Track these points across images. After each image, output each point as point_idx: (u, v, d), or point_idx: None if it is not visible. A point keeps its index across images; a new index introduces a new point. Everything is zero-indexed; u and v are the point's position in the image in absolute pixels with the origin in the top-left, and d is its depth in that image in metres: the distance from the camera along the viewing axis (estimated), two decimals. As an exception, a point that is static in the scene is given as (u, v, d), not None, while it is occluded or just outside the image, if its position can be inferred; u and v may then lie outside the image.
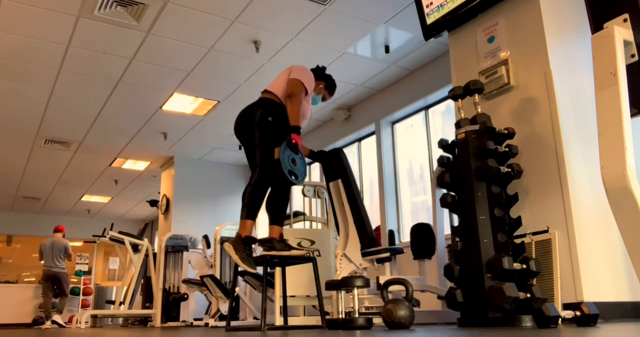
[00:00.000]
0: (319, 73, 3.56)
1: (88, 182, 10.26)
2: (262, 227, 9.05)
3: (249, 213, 3.02)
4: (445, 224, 3.70)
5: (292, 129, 3.10)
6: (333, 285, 2.90)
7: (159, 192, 9.47)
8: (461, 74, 3.38)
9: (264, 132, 3.13)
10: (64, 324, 8.45)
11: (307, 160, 7.62)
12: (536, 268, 2.45)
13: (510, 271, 2.40)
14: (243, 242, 2.96)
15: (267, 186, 3.13)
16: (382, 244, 5.43)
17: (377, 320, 3.17)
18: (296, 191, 8.31)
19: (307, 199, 4.41)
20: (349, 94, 6.69)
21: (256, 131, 3.13)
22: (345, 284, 2.83)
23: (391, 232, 4.78)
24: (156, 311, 6.84)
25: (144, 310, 7.65)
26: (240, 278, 5.52)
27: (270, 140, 3.10)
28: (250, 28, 5.09)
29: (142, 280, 8.16)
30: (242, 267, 2.90)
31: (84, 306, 11.50)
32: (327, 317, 3.21)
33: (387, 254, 3.43)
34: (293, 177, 2.99)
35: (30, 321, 11.19)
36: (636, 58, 2.33)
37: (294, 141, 3.03)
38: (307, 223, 4.63)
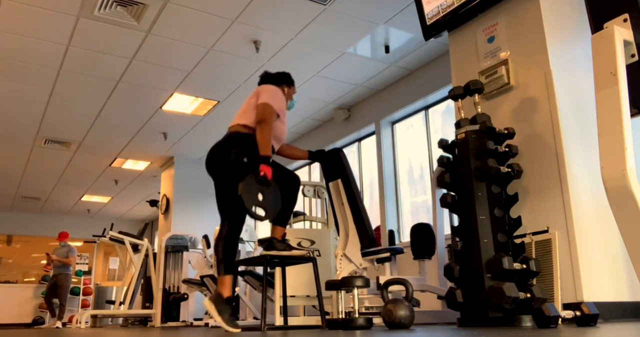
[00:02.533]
0: (278, 79, 3.33)
1: (88, 182, 10.26)
2: (262, 227, 9.05)
3: (226, 268, 2.88)
4: (445, 224, 3.70)
5: (261, 160, 2.84)
6: (333, 285, 2.90)
7: (159, 192, 9.47)
8: (461, 74, 3.38)
9: (239, 176, 2.84)
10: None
11: (306, 161, 7.57)
12: (536, 268, 2.45)
13: (510, 271, 2.40)
14: (226, 302, 2.82)
15: (238, 236, 3.00)
16: (382, 244, 5.43)
17: (377, 320, 3.17)
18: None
19: (307, 199, 4.41)
20: (349, 94, 6.69)
21: (231, 175, 2.90)
22: (345, 284, 2.83)
23: (391, 232, 4.78)
24: (156, 311, 6.84)
25: (144, 310, 7.65)
26: (240, 278, 5.52)
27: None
28: (250, 28, 5.09)
29: (142, 280, 8.16)
30: (227, 329, 2.75)
31: (84, 306, 11.50)
32: (327, 317, 3.20)
33: (387, 254, 3.43)
34: (261, 212, 2.78)
35: (30, 321, 11.19)
36: (636, 58, 2.33)
37: (262, 173, 2.78)
38: (307, 223, 4.63)
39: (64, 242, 9.18)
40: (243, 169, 2.90)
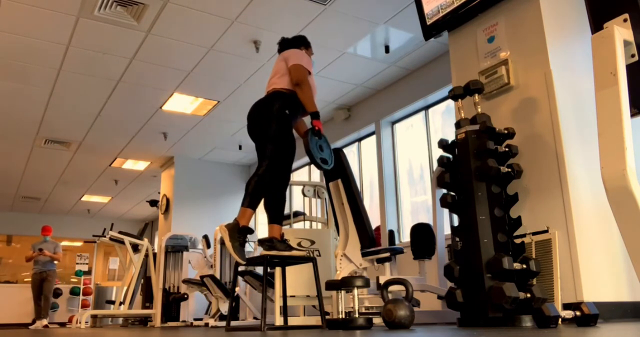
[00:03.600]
0: (297, 42, 3.57)
1: (88, 182, 10.26)
2: (262, 227, 9.05)
3: (251, 202, 3.04)
4: (445, 224, 3.70)
5: (313, 115, 3.15)
6: (333, 285, 2.90)
7: (159, 192, 9.47)
8: (461, 74, 3.38)
9: (281, 126, 3.15)
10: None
11: (306, 161, 7.57)
12: (536, 268, 2.45)
13: (510, 271, 2.40)
14: (239, 231, 2.97)
15: (271, 180, 3.15)
16: (382, 244, 5.43)
17: (377, 320, 3.17)
18: (296, 190, 8.32)
19: (307, 199, 4.41)
20: (349, 94, 6.69)
21: (273, 124, 3.14)
22: (345, 284, 2.83)
23: (391, 232, 4.78)
24: (156, 311, 6.84)
25: (144, 310, 7.64)
26: (240, 278, 5.52)
27: (286, 135, 3.16)
28: (250, 28, 5.09)
29: (142, 280, 8.16)
30: (233, 256, 2.92)
31: (84, 306, 11.50)
32: (327, 317, 3.21)
33: (387, 254, 3.43)
34: (325, 164, 3.08)
35: (30, 321, 11.18)
36: (636, 58, 2.33)
37: (317, 128, 3.09)
38: (307, 223, 4.63)
39: (48, 237, 8.73)
40: (286, 119, 3.17)
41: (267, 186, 3.13)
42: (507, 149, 2.70)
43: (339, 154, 3.56)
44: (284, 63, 3.33)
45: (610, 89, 2.21)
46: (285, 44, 3.55)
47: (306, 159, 4.22)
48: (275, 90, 3.31)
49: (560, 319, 2.14)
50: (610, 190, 2.13)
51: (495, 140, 2.71)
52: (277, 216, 3.16)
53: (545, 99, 2.83)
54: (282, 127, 3.15)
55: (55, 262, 8.69)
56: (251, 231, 3.05)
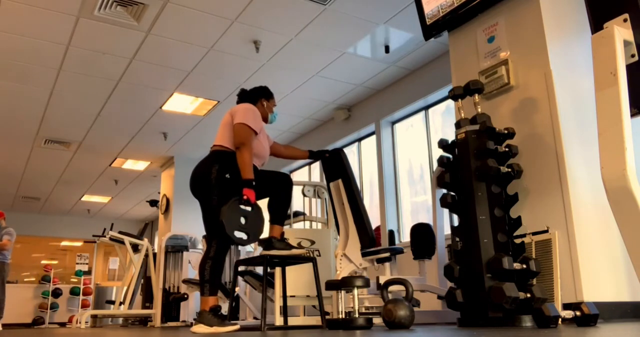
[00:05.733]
0: (255, 95, 3.28)
1: (88, 182, 10.26)
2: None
3: (211, 289, 2.84)
4: (445, 224, 3.70)
5: (243, 184, 2.83)
6: (333, 285, 2.90)
7: (159, 192, 9.47)
8: (461, 74, 3.38)
9: (222, 192, 2.88)
10: None
11: (306, 161, 7.55)
12: (536, 268, 2.45)
13: (510, 271, 2.40)
14: (211, 313, 2.79)
15: (225, 256, 2.95)
16: (382, 244, 5.43)
17: (377, 320, 3.17)
18: (296, 190, 8.31)
19: (307, 199, 4.41)
20: (349, 94, 6.69)
21: (214, 193, 2.90)
22: (345, 284, 2.83)
23: (391, 232, 4.78)
24: (156, 311, 6.84)
25: (144, 310, 7.64)
26: (240, 278, 5.52)
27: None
28: (250, 28, 5.09)
29: (142, 280, 8.16)
30: (226, 331, 2.74)
31: (84, 306, 11.50)
32: (327, 317, 3.21)
33: (387, 254, 3.43)
34: (243, 236, 2.78)
35: (30, 321, 11.19)
36: (636, 58, 2.33)
37: (245, 197, 2.79)
38: (307, 223, 4.63)
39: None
40: (225, 186, 2.90)
41: (223, 265, 2.92)
42: (507, 149, 2.70)
43: (339, 153, 3.56)
44: (230, 118, 3.05)
45: (610, 89, 2.21)
46: (241, 97, 3.28)
47: (306, 160, 4.19)
48: (215, 150, 3.06)
49: (560, 319, 2.14)
50: (610, 190, 2.13)
51: (495, 140, 2.71)
52: (279, 217, 3.14)
53: (545, 99, 2.83)
54: (223, 195, 2.86)
55: (5, 252, 7.48)
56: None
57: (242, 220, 2.79)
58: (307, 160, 6.46)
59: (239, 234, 2.77)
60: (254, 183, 2.87)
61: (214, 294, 2.86)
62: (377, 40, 5.44)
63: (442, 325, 3.20)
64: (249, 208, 2.80)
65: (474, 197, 2.58)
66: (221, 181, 2.91)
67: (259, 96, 3.27)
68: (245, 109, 3.04)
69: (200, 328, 2.76)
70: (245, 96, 3.28)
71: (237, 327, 2.83)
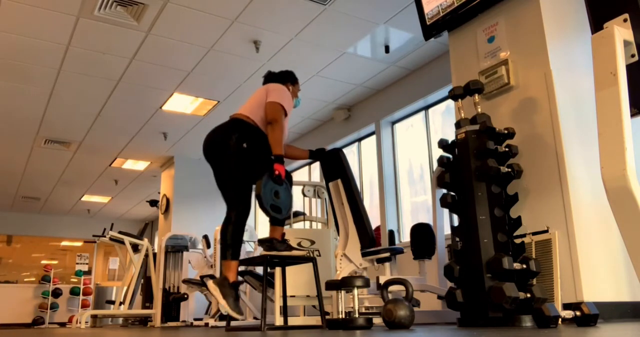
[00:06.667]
0: (283, 77, 3.35)
1: (88, 182, 10.25)
2: (261, 227, 9.05)
3: (234, 253, 2.87)
4: (445, 224, 3.70)
5: (275, 159, 2.89)
6: (333, 285, 2.90)
7: (159, 192, 9.47)
8: (461, 74, 3.38)
9: (240, 161, 2.92)
10: None
11: (306, 161, 7.56)
12: (536, 268, 2.45)
13: (510, 271, 2.40)
14: (231, 287, 2.82)
15: (246, 221, 2.98)
16: (382, 244, 5.43)
17: (377, 320, 3.17)
18: (296, 190, 8.31)
19: (307, 199, 4.41)
20: (349, 94, 6.69)
21: (232, 160, 2.93)
22: (345, 284, 2.83)
23: (391, 232, 4.78)
24: (156, 311, 6.84)
25: (144, 310, 7.64)
26: (240, 278, 5.52)
27: (246, 171, 2.93)
28: (250, 28, 5.09)
29: (142, 280, 8.16)
30: (231, 314, 2.77)
31: (84, 306, 11.50)
32: (327, 317, 3.21)
33: (387, 254, 3.43)
34: (276, 212, 2.84)
35: (30, 321, 11.19)
36: (636, 58, 2.33)
37: (277, 172, 2.84)
38: (307, 223, 4.63)
39: None
40: (243, 155, 2.94)
41: (243, 231, 2.95)
42: (507, 149, 2.70)
43: (338, 153, 3.57)
44: (265, 95, 3.09)
45: (610, 89, 2.21)
46: (270, 77, 3.34)
47: (306, 160, 4.19)
48: (238, 117, 3.08)
49: (560, 319, 2.14)
50: (610, 190, 2.13)
51: (495, 140, 2.71)
52: (280, 218, 3.14)
53: (545, 99, 2.83)
54: (240, 164, 2.91)
55: None
56: (241, 283, 2.95)
57: (275, 194, 2.87)
58: (307, 161, 6.47)
59: (274, 207, 2.85)
60: (284, 159, 2.94)
61: (235, 259, 2.89)
62: (377, 40, 5.44)
63: (442, 325, 3.19)
64: (280, 183, 2.87)
65: (474, 197, 2.58)
66: (239, 150, 2.95)
67: (285, 79, 3.35)
68: (281, 89, 3.13)
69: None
70: (273, 78, 3.35)
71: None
